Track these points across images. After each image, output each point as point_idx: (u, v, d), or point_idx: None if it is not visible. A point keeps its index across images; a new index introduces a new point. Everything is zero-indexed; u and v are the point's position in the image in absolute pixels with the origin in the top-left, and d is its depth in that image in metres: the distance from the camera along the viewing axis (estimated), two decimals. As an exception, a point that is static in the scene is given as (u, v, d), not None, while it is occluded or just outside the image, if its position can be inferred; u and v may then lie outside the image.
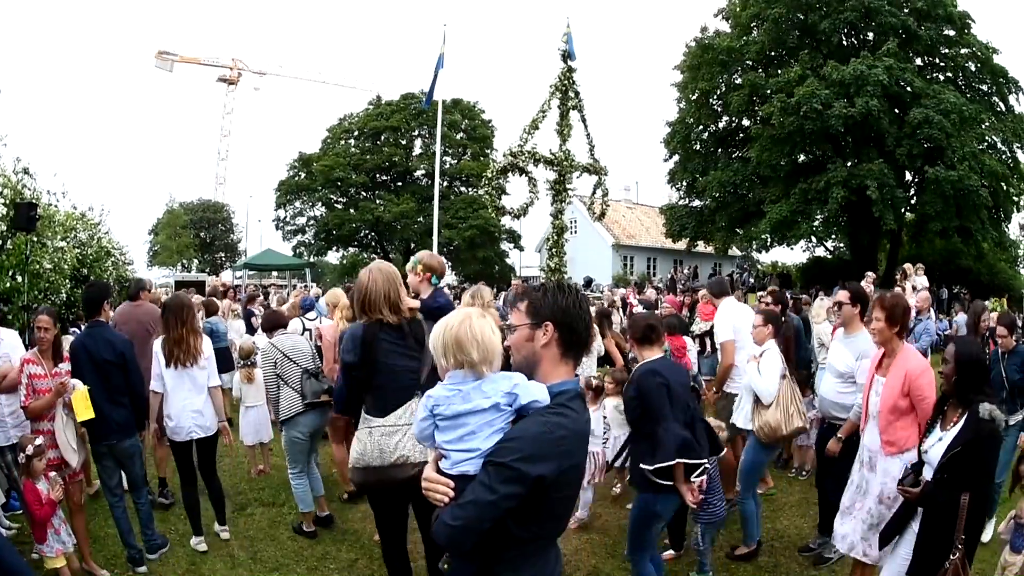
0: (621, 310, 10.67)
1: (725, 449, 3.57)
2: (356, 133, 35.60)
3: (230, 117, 52.71)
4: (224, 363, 6.61)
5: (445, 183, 32.04)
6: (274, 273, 32.18)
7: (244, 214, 62.35)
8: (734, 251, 27.64)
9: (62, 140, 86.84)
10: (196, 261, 42.04)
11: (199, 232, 43.73)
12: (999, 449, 2.91)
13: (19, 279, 7.25)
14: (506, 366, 1.75)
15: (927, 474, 2.82)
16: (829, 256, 26.11)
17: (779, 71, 21.27)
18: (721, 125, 24.36)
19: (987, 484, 2.74)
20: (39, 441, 3.66)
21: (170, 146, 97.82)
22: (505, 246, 36.22)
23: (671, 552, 4.34)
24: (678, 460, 3.06)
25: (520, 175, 9.37)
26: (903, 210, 20.39)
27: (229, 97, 52.41)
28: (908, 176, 20.90)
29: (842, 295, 4.19)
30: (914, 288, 10.04)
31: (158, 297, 9.24)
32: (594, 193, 10.95)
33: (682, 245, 27.24)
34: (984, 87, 21.64)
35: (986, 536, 4.06)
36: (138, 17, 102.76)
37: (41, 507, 3.53)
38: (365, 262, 36.02)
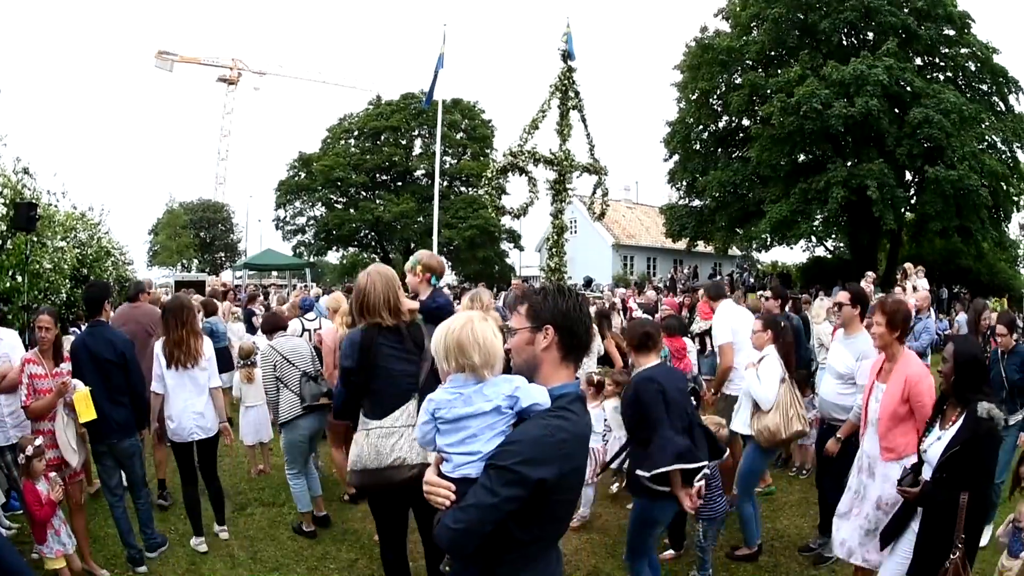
0: (621, 313, 10.66)
1: (727, 452, 3.57)
2: (356, 133, 35.59)
3: (230, 117, 52.77)
4: (223, 363, 6.62)
5: (445, 183, 32.03)
6: (274, 273, 32.19)
7: (244, 214, 62.42)
8: (734, 251, 27.64)
9: (62, 140, 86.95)
10: (196, 261, 42.03)
11: (199, 232, 43.73)
12: (998, 448, 2.91)
13: (19, 279, 7.25)
14: (507, 369, 1.75)
15: (926, 473, 2.82)
16: (829, 256, 26.11)
17: (779, 71, 21.26)
18: (721, 125, 24.35)
19: (986, 483, 2.74)
20: (39, 442, 3.66)
21: (170, 146, 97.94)
22: (505, 246, 36.23)
23: (671, 552, 4.34)
24: (674, 466, 3.06)
25: (520, 175, 9.37)
26: (903, 210, 20.39)
27: (229, 97, 52.46)
28: (908, 176, 20.89)
29: (842, 296, 4.19)
30: (914, 288, 10.04)
31: (158, 297, 9.25)
32: (594, 193, 10.95)
33: (682, 245, 27.24)
34: (984, 87, 21.64)
35: (984, 540, 4.06)
36: (138, 17, 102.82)
37: (41, 508, 3.53)
38: (365, 262, 36.12)
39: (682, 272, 29.19)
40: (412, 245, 34.38)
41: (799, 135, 19.52)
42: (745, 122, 23.19)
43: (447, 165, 33.26)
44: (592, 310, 9.53)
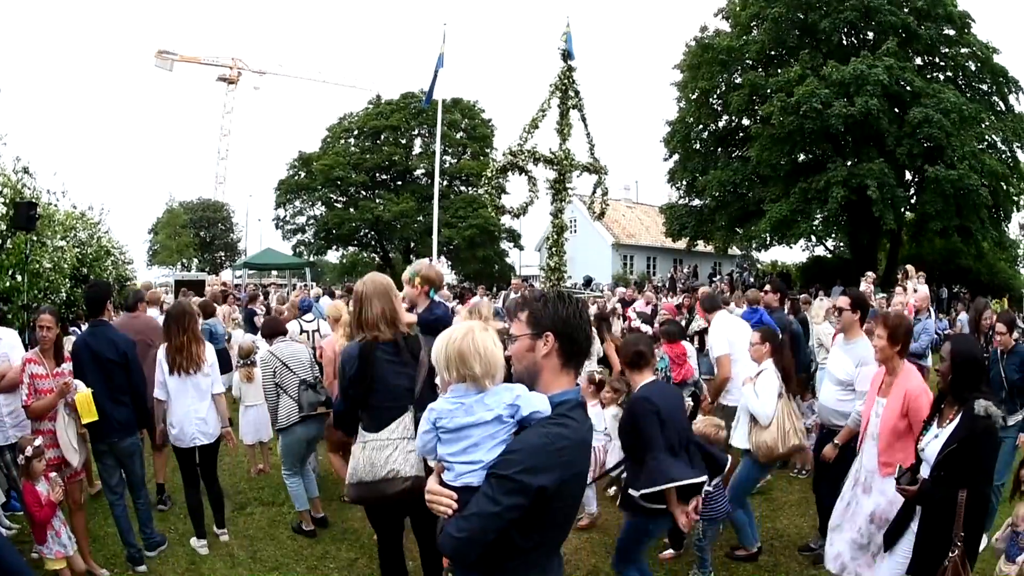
0: (620, 319, 10.66)
1: (727, 467, 3.61)
2: (356, 132, 35.57)
3: (230, 116, 52.66)
4: (222, 364, 6.62)
5: (445, 182, 32.00)
6: (274, 272, 32.15)
7: (244, 213, 62.37)
8: (734, 250, 27.63)
9: (62, 139, 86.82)
10: (196, 260, 42.04)
11: (199, 231, 43.73)
12: (997, 446, 2.91)
13: (19, 278, 7.25)
14: (508, 376, 1.76)
15: (924, 472, 2.82)
16: (829, 255, 26.11)
17: (779, 71, 21.27)
18: (721, 124, 24.37)
19: (984, 481, 2.74)
20: (38, 442, 3.66)
21: (170, 145, 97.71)
22: (505, 245, 36.21)
23: (671, 551, 4.35)
24: (667, 485, 3.07)
25: (520, 174, 9.35)
26: (903, 209, 20.40)
27: (229, 96, 52.38)
28: (908, 175, 20.92)
29: (842, 301, 4.17)
30: (914, 289, 10.03)
31: (159, 296, 9.26)
32: (594, 192, 10.94)
33: (682, 244, 27.25)
34: (984, 87, 21.66)
35: (982, 544, 4.05)
36: (138, 17, 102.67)
37: (41, 509, 3.53)
38: (365, 261, 36.17)
39: (682, 272, 29.15)
40: (412, 244, 34.41)
41: (799, 135, 19.53)
42: (745, 122, 23.20)
43: (447, 164, 33.24)
44: (592, 310, 9.54)
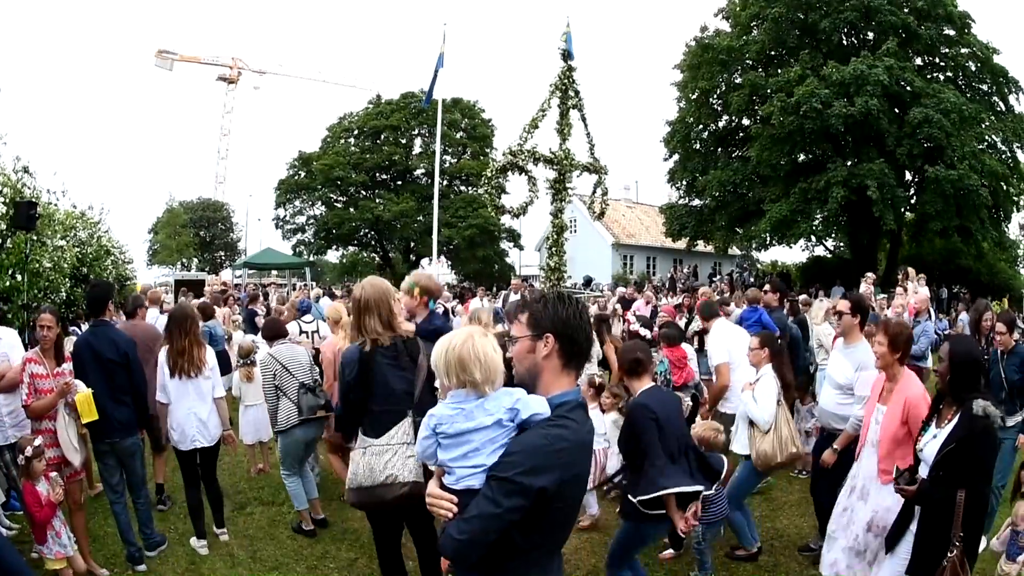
0: (620, 318, 10.65)
1: (723, 473, 3.64)
2: (356, 132, 35.54)
3: (230, 116, 52.68)
4: (222, 366, 6.62)
5: (445, 182, 31.97)
6: (274, 272, 32.13)
7: (244, 213, 62.21)
8: (734, 250, 27.63)
9: (62, 139, 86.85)
10: (196, 260, 42.05)
11: (199, 231, 43.74)
12: (995, 446, 2.90)
13: (19, 278, 7.25)
14: (509, 379, 1.76)
15: (923, 472, 2.82)
16: (829, 255, 26.11)
17: (779, 71, 21.26)
18: (721, 124, 24.36)
19: (983, 481, 2.74)
20: (38, 442, 3.66)
21: (170, 145, 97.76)
22: (505, 245, 36.16)
23: (671, 551, 4.35)
24: (664, 492, 3.08)
25: (520, 174, 9.34)
26: (903, 210, 20.39)
27: (229, 96, 52.38)
28: (908, 176, 20.91)
29: (843, 305, 4.16)
30: (915, 291, 10.04)
31: (159, 296, 9.26)
32: (594, 192, 10.93)
33: (682, 244, 27.24)
34: (984, 87, 21.65)
35: (981, 546, 4.04)
36: (138, 16, 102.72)
37: (41, 509, 3.53)
38: (365, 261, 36.12)
39: (682, 271, 29.15)
40: (412, 244, 34.39)
41: (799, 135, 19.52)
42: (745, 122, 23.19)
43: (447, 164, 33.21)
44: (593, 310, 9.52)
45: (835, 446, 3.92)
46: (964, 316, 12.57)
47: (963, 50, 20.99)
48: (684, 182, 24.83)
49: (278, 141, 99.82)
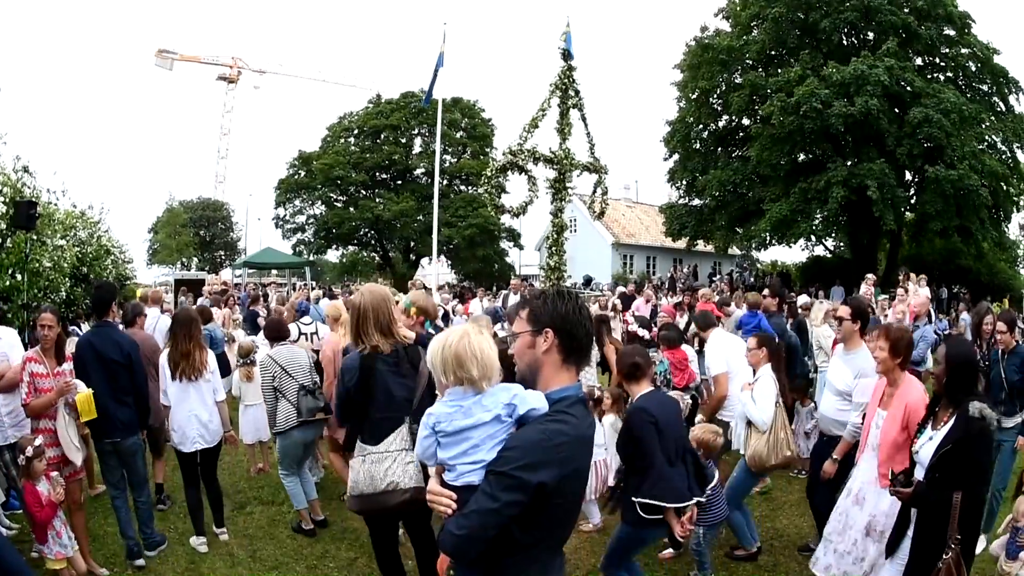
0: (619, 317, 10.64)
1: (715, 479, 3.65)
2: (356, 131, 35.50)
3: (230, 115, 52.71)
4: (222, 368, 6.61)
5: (445, 181, 31.95)
6: (274, 272, 32.13)
7: (244, 212, 62.33)
8: (734, 250, 27.60)
9: (62, 138, 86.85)
10: (195, 259, 42.05)
11: (199, 230, 43.74)
12: (991, 447, 2.91)
13: (19, 277, 7.26)
14: (509, 375, 1.77)
15: (919, 474, 2.82)
16: (829, 255, 26.09)
17: (779, 71, 21.24)
18: (721, 124, 24.33)
19: (980, 483, 2.74)
20: (38, 441, 3.66)
21: (170, 144, 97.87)
22: (505, 245, 36.12)
23: (670, 551, 4.35)
24: (663, 504, 3.09)
25: (520, 173, 9.33)
26: (903, 210, 20.37)
27: (229, 95, 52.39)
28: (908, 176, 20.88)
29: (843, 311, 4.15)
30: (915, 291, 10.04)
31: (160, 295, 9.26)
32: (594, 192, 10.90)
33: (682, 244, 27.22)
34: (984, 87, 21.63)
35: (979, 548, 4.04)
36: (138, 16, 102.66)
37: (41, 509, 3.53)
38: (365, 260, 36.10)
39: (681, 271, 29.15)
40: (412, 244, 34.37)
41: (799, 135, 19.51)
42: (745, 121, 23.16)
43: (447, 164, 33.19)
44: (593, 308, 9.50)
45: (834, 455, 3.92)
46: (965, 316, 12.56)
47: (963, 50, 20.97)
48: (684, 182, 24.81)
49: (278, 141, 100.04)
